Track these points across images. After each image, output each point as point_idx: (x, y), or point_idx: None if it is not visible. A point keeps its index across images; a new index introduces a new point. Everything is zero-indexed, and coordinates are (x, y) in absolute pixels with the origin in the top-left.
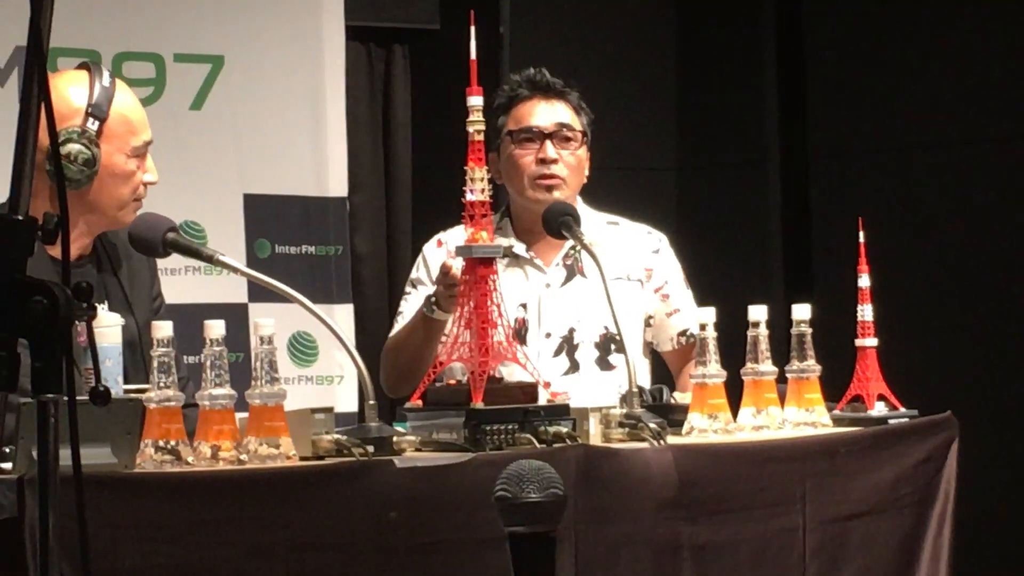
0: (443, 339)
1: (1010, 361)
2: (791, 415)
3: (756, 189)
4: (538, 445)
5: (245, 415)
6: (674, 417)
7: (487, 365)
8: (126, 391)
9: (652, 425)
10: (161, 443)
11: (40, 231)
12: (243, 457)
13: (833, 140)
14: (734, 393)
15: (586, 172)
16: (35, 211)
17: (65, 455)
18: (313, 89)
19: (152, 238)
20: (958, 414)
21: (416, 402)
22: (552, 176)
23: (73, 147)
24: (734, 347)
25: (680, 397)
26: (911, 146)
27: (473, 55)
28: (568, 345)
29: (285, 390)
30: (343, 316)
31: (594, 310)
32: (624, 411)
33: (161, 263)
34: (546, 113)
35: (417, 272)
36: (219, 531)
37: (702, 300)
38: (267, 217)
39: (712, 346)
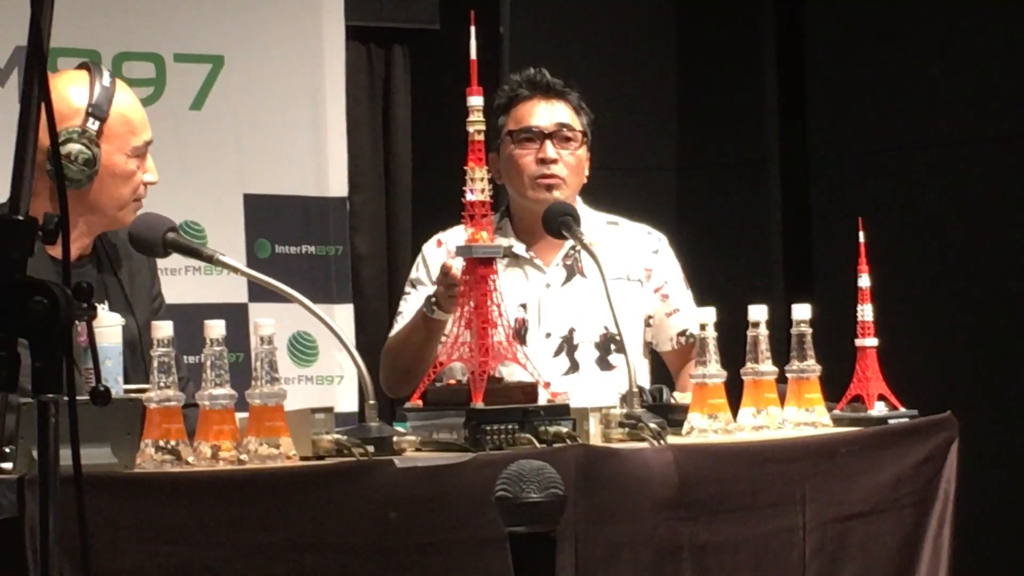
0: (443, 339)
1: (1010, 361)
2: (791, 415)
3: (756, 189)
4: (538, 445)
5: (245, 415)
6: (674, 417)
7: (487, 365)
8: (126, 391)
9: (652, 425)
10: (161, 443)
11: (40, 231)
12: (243, 457)
13: (833, 140)
14: (734, 393)
15: (586, 172)
16: (35, 211)
17: (65, 455)
18: (313, 89)
19: (152, 238)
20: (958, 414)
21: (416, 402)
22: (552, 176)
23: (73, 147)
24: (734, 347)
25: (680, 397)
26: (911, 146)
27: (473, 55)
28: (568, 345)
29: (285, 390)
30: (343, 316)
31: (594, 310)
32: (624, 411)
33: (161, 263)
34: (546, 113)
35: (417, 272)
36: (219, 531)
37: (702, 300)
38: (267, 217)
39: (712, 346)
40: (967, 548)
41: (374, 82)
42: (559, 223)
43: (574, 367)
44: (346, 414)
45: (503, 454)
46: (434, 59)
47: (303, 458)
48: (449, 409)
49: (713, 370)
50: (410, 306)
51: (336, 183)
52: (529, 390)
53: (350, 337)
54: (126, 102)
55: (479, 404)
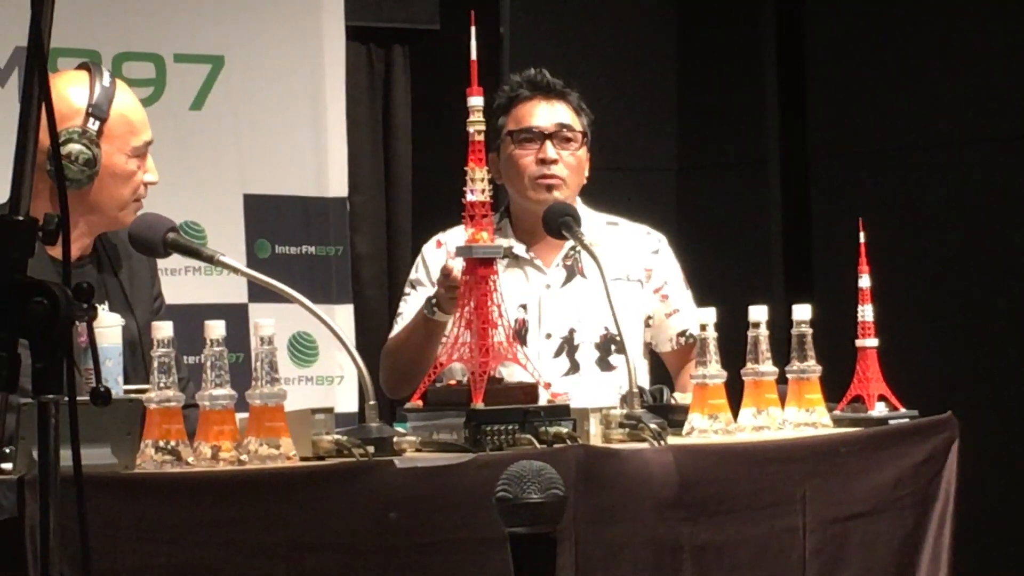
0: (443, 340)
1: (1010, 361)
2: (791, 416)
3: (756, 189)
4: (538, 446)
5: (245, 415)
6: (674, 417)
7: (487, 366)
8: (126, 391)
9: (652, 426)
10: (161, 443)
11: (41, 231)
12: (243, 457)
13: (833, 140)
14: (734, 394)
15: (586, 173)
16: (36, 212)
17: (65, 455)
18: (313, 89)
19: (152, 238)
20: (958, 414)
21: (416, 403)
22: (552, 176)
23: (74, 147)
24: (734, 347)
25: (680, 397)
26: (911, 146)
27: (473, 55)
28: (568, 346)
29: (285, 390)
30: (343, 316)
31: (594, 311)
32: (624, 411)
33: (161, 263)
34: (546, 113)
35: (416, 273)
36: (219, 532)
37: (702, 300)
38: (267, 217)
39: (712, 346)
40: (967, 548)
41: (374, 82)
42: (559, 223)
43: (574, 368)
44: (346, 414)
45: (503, 455)
46: (434, 59)
47: (303, 458)
48: (449, 410)
49: (713, 371)
50: (410, 307)
51: (336, 183)
52: (529, 391)
53: (350, 337)
54: (126, 102)
55: (479, 405)
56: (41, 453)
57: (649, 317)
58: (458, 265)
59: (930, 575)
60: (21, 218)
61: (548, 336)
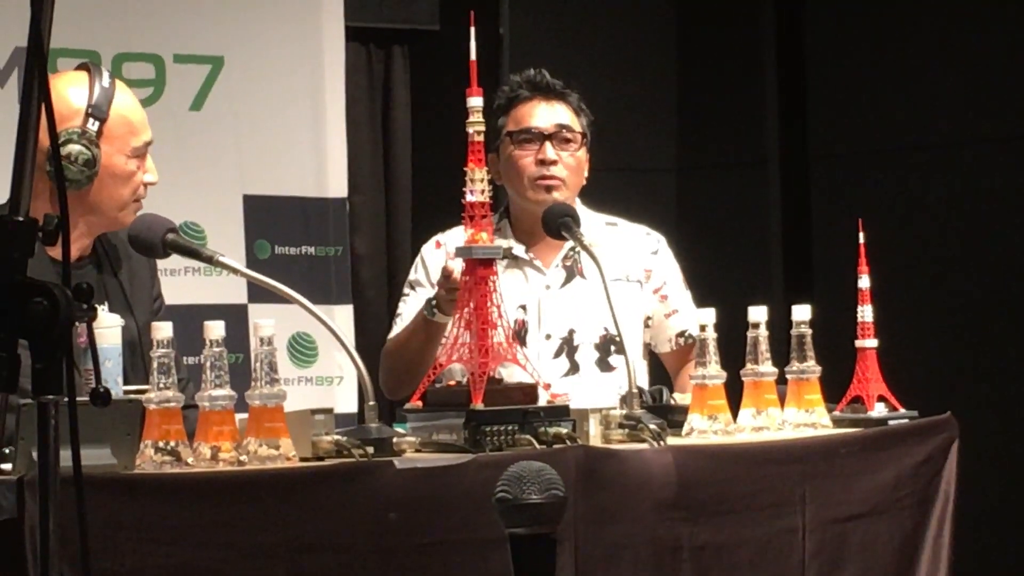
0: (443, 341)
1: (1010, 361)
2: (791, 416)
3: (756, 189)
4: (538, 446)
5: (245, 416)
6: (674, 418)
7: (487, 366)
8: (126, 392)
9: (652, 426)
10: (161, 444)
11: (40, 232)
12: (243, 458)
13: (833, 140)
14: (734, 394)
15: (585, 173)
16: (35, 212)
17: (65, 456)
18: (313, 89)
19: (152, 239)
20: (958, 414)
21: (416, 403)
22: (552, 177)
23: (73, 148)
24: (734, 348)
25: (679, 398)
26: (911, 146)
27: (473, 56)
28: (568, 346)
29: (285, 391)
30: (343, 317)
31: (594, 311)
32: (624, 412)
33: (161, 264)
34: (546, 114)
35: (415, 274)
36: (219, 532)
37: (702, 301)
38: (267, 218)
39: (712, 347)
40: (967, 548)
41: (374, 82)
42: (559, 224)
43: (574, 368)
44: (346, 415)
45: (503, 455)
46: (434, 59)
47: (303, 459)
48: (449, 410)
49: (713, 371)
50: (409, 307)
51: (336, 183)
52: (529, 391)
53: (350, 338)
54: (126, 103)
55: (479, 405)
56: (41, 453)
57: (648, 318)
58: (458, 267)
59: (930, 575)
60: (21, 218)
61: (548, 337)
